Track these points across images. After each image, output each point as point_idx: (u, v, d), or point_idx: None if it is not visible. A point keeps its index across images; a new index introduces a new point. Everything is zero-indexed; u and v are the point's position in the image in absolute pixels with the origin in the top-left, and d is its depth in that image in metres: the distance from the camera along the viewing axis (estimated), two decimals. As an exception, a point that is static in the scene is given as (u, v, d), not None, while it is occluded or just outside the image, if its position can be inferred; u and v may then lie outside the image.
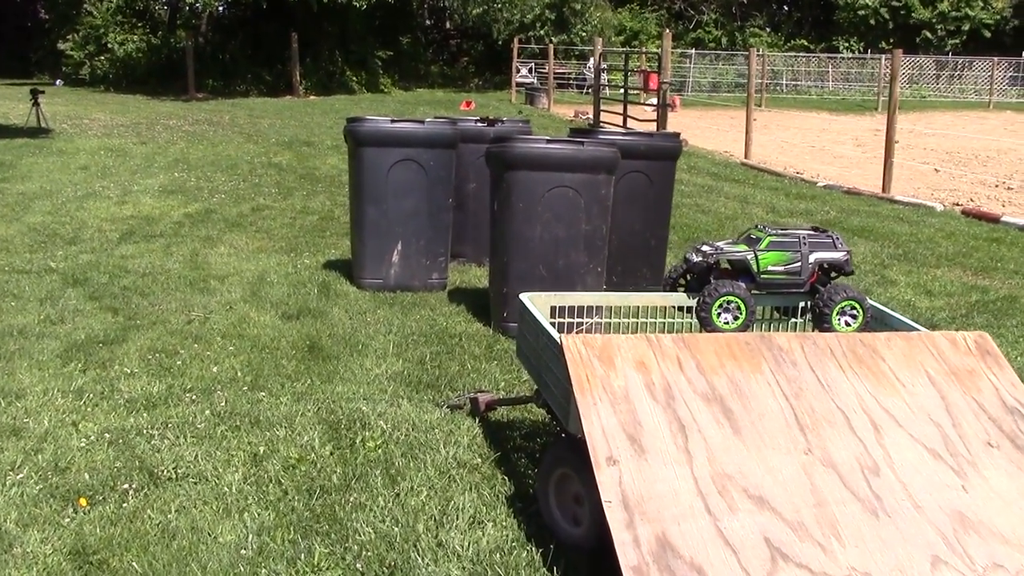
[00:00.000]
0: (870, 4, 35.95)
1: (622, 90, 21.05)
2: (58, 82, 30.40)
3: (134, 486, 3.38)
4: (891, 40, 35.19)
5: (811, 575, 2.49)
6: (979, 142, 20.53)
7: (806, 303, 3.92)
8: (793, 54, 35.49)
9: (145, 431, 3.87)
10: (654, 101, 27.81)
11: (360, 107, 24.69)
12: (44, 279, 6.47)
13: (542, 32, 31.59)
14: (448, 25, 38.68)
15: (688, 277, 3.97)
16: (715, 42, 36.73)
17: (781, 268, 3.78)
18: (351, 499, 3.32)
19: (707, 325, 3.66)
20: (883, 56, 31.95)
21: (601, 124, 20.97)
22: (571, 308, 3.75)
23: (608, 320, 3.79)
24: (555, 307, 3.73)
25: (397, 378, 4.70)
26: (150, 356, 4.88)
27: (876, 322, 3.75)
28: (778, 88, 33.99)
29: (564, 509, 3.17)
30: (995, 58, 32.85)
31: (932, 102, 31.72)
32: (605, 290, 5.81)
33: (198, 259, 7.33)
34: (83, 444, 3.72)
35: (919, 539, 2.62)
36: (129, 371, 4.63)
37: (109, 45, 29.46)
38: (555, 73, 30.10)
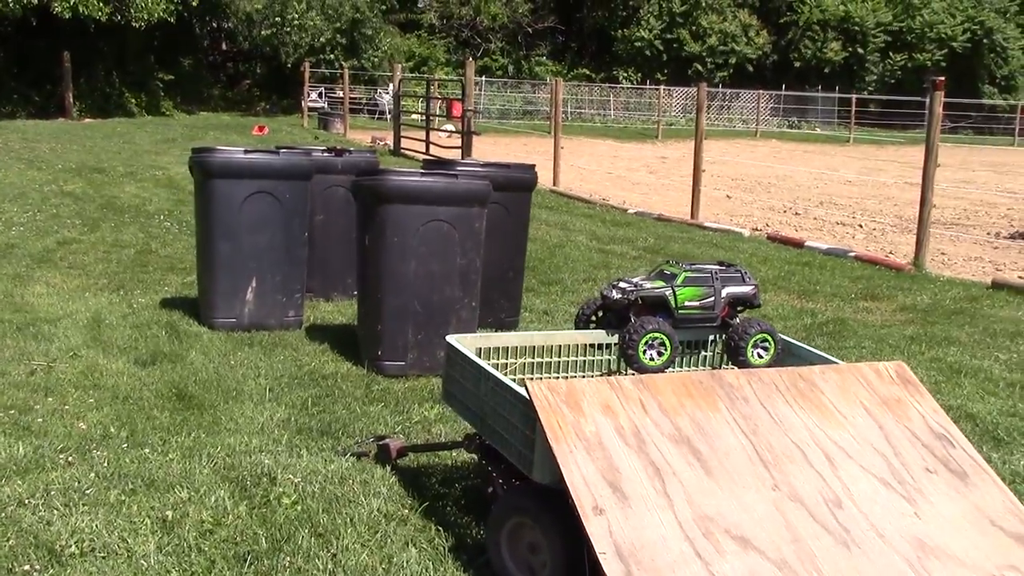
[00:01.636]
0: (645, 36, 37.82)
1: (422, 117, 21.11)
2: None
3: (36, 567, 3.00)
4: (665, 71, 37.20)
5: (805, 613, 2.52)
6: (757, 169, 21.95)
7: (715, 336, 4.02)
8: (577, 83, 36.75)
9: (26, 501, 3.45)
10: (449, 127, 28.08)
11: (145, 131, 23.51)
12: None
13: (332, 56, 31.18)
14: (224, 46, 37.52)
15: (600, 314, 3.98)
16: (502, 70, 37.53)
17: (697, 303, 3.85)
18: (287, 563, 3.09)
19: (632, 363, 3.67)
20: (661, 87, 33.68)
21: (402, 151, 20.92)
22: (497, 349, 3.67)
23: (532, 360, 3.73)
24: (480, 348, 3.64)
25: (286, 426, 4.44)
26: (0, 414, 4.39)
27: (786, 353, 3.88)
28: (565, 116, 35.04)
29: (518, 560, 3.08)
30: (759, 91, 35.32)
31: (707, 131, 33.62)
32: (479, 327, 5.75)
33: (15, 300, 6.70)
34: (-42, 521, 3.28)
35: (890, 568, 2.71)
36: (-22, 435, 4.13)
37: None
38: (349, 98, 29.83)
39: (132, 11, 26.22)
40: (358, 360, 5.54)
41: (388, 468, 3.92)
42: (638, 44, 37.81)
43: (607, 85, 36.90)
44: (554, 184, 15.64)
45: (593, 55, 39.96)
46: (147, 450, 4.01)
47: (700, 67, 37.84)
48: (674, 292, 3.82)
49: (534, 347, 3.77)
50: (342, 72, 26.92)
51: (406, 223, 5.35)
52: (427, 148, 19.76)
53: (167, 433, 4.25)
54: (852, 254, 9.92)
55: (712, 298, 3.88)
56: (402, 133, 21.22)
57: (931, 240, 9.77)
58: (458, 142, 19.40)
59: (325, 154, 7.07)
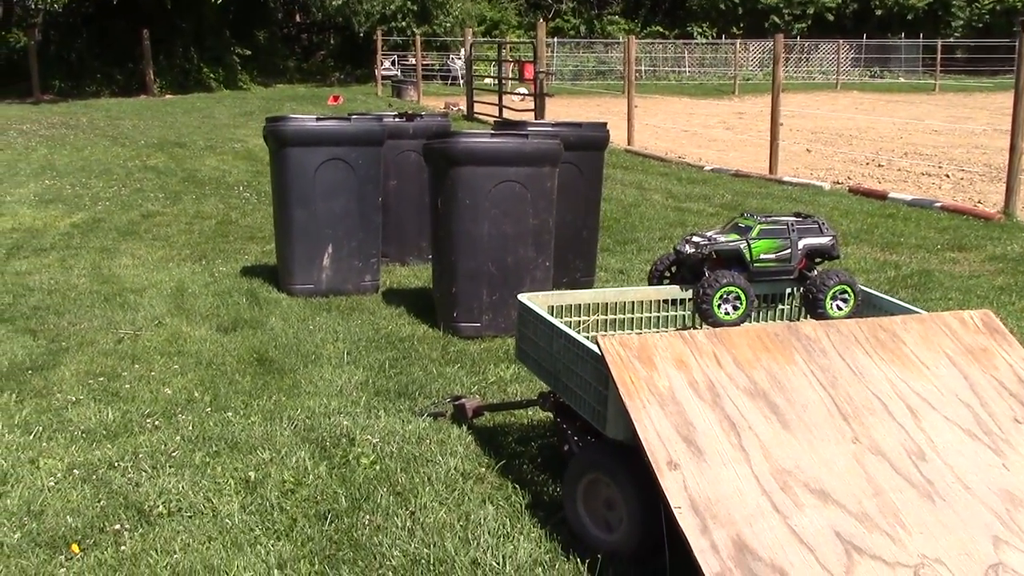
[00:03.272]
0: (721, -9, 37.08)
1: (494, 81, 21.05)
2: None
3: (126, 526, 3.10)
4: (741, 25, 36.40)
5: (886, 566, 2.47)
6: (838, 121, 21.41)
7: (793, 289, 3.94)
8: (650, 41, 36.20)
9: (116, 463, 3.57)
10: (523, 90, 27.94)
11: (223, 105, 23.90)
12: (-61, 302, 5.96)
13: (404, 24, 31.20)
14: (299, 19, 37.78)
15: (673, 270, 3.93)
16: (574, 30, 37.15)
17: (773, 256, 3.78)
18: (366, 521, 3.14)
19: (708, 317, 3.62)
20: (736, 41, 32.98)
21: (475, 115, 20.89)
22: (570, 307, 3.65)
23: (605, 317, 3.71)
24: (552, 307, 3.62)
25: (363, 387, 4.50)
26: (90, 380, 4.53)
27: (866, 305, 3.79)
28: (638, 75, 34.58)
29: (594, 515, 3.07)
30: (839, 41, 34.34)
31: (785, 84, 32.85)
32: (554, 285, 5.73)
33: (103, 272, 6.89)
34: (52, 483, 3.40)
35: (977, 520, 2.64)
36: (73, 399, 4.27)
37: (-59, 46, 27.57)
38: (421, 65, 29.87)
39: (207, -14, 26.53)
40: (434, 323, 5.58)
41: (464, 427, 3.95)
42: (712, -1, 37.11)
43: (681, 42, 36.28)
44: (629, 143, 15.48)
45: (666, 12, 39.29)
46: (230, 413, 4.10)
47: (777, 19, 36.94)
48: (749, 245, 3.75)
49: (606, 304, 3.74)
50: (414, 39, 26.91)
51: (477, 185, 5.34)
52: (500, 112, 19.70)
53: (249, 397, 4.34)
54: (938, 204, 9.63)
55: (788, 250, 3.80)
56: (475, 98, 21.17)
57: (1023, 188, 9.42)
58: (532, 105, 19.29)
59: (397, 120, 7.09)
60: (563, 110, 23.04)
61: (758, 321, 3.90)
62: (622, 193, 11.00)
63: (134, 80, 28.60)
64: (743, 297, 3.63)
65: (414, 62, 29.90)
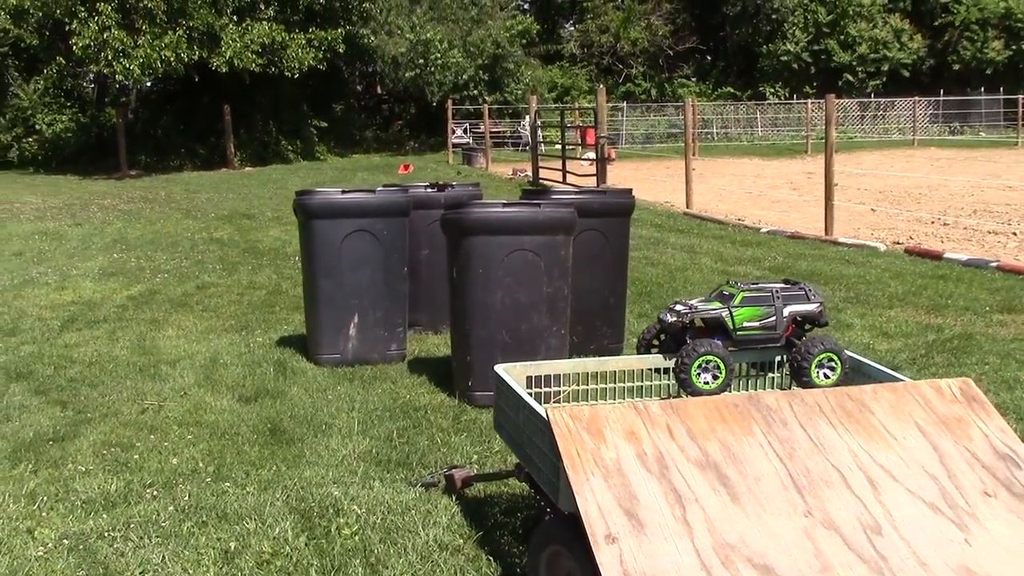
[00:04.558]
0: (792, 50, 36.93)
1: (558, 146, 21.29)
2: (-14, 166, 29.81)
3: (101, 596, 3.18)
4: (814, 84, 36.20)
5: (827, 646, 2.40)
6: (909, 180, 21.05)
7: (781, 357, 3.88)
8: (722, 103, 36.23)
9: (107, 534, 3.67)
10: (591, 155, 28.14)
11: (297, 176, 24.59)
12: (-16, 374, 6.22)
13: (475, 92, 31.82)
14: (379, 90, 38.82)
15: (662, 338, 3.91)
16: (645, 94, 37.39)
17: (756, 323, 3.74)
18: (333, 594, 3.17)
19: (687, 387, 3.59)
20: (808, 101, 32.78)
21: (541, 181, 21.11)
22: (548, 377, 3.66)
23: (586, 387, 3.71)
24: (531, 376, 3.64)
25: (366, 457, 4.55)
26: (104, 451, 4.68)
27: (854, 372, 3.71)
28: (709, 136, 34.62)
29: (557, 588, 3.05)
30: (916, 97, 33.88)
31: (859, 143, 32.54)
32: (571, 354, 5.74)
33: (146, 343, 7.11)
34: (40, 553, 3.51)
35: (930, 599, 2.55)
36: (84, 469, 4.41)
37: (37, 126, 29.03)
38: (490, 132, 30.36)
39: (284, 62, 27.53)
40: (453, 392, 5.62)
41: (453, 498, 3.96)
42: (784, 58, 36.95)
43: (753, 103, 36.20)
44: (687, 207, 15.45)
45: (738, 73, 39.30)
46: (228, 484, 4.19)
47: (851, 77, 36.66)
48: (731, 313, 3.71)
49: (587, 374, 3.74)
50: (484, 107, 27.39)
51: (490, 254, 5.41)
52: (564, 177, 19.87)
53: (251, 467, 4.43)
54: (994, 264, 9.37)
55: (773, 317, 3.75)
56: (541, 163, 21.41)
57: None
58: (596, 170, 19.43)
59: (428, 190, 7.23)
60: (630, 174, 23.16)
61: (747, 390, 3.85)
62: (671, 257, 10.96)
63: (216, 154, 29.70)
64: (722, 366, 3.59)
65: (484, 129, 30.47)
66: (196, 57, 25.78)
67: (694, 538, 2.62)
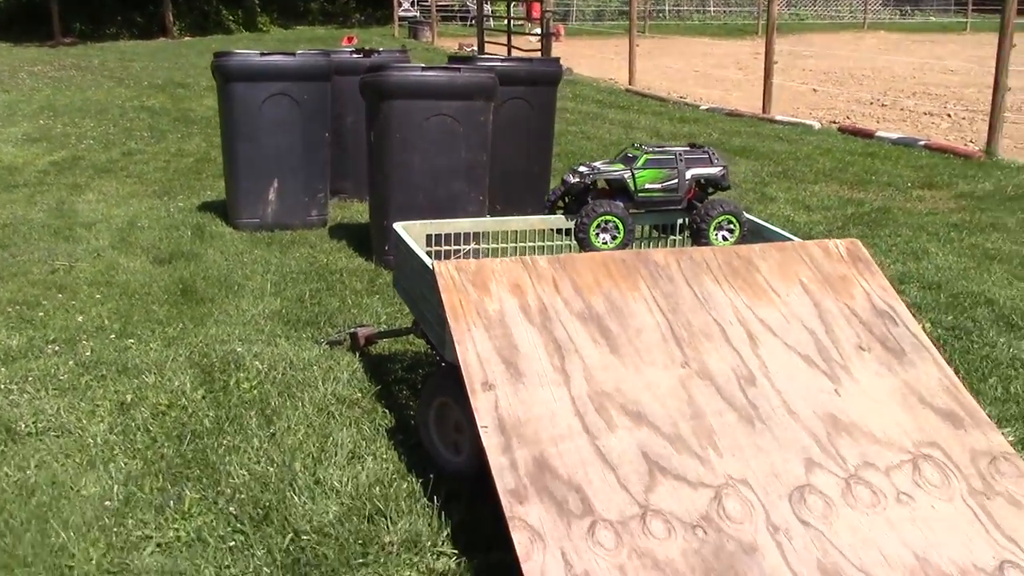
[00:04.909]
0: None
1: (510, 21, 20.84)
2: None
3: (-9, 443, 3.18)
4: (770, -36, 35.54)
5: (688, 485, 2.49)
6: (855, 62, 20.97)
7: (684, 220, 3.91)
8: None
9: (3, 386, 3.65)
10: (539, 31, 27.51)
11: (237, 46, 23.82)
12: None
13: (423, -36, 30.84)
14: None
15: (567, 199, 3.91)
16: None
17: (658, 185, 3.74)
18: (224, 442, 3.20)
19: (585, 246, 3.61)
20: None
21: (486, 55, 20.71)
22: (449, 236, 3.65)
23: (487, 246, 3.71)
24: (431, 235, 3.63)
25: (274, 317, 4.55)
26: (9, 308, 4.61)
27: (752, 235, 3.75)
28: (661, 15, 34.08)
29: (445, 438, 3.12)
30: (868, -21, 33.51)
31: (810, 24, 32.25)
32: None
33: (64, 207, 6.96)
34: (-67, 404, 3.49)
35: (794, 444, 2.64)
36: (-15, 325, 4.36)
37: (-36, -11, 27.71)
38: (438, 5, 29.58)
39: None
40: (372, 257, 5.61)
41: (357, 355, 3.99)
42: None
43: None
44: (630, 83, 15.30)
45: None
46: (132, 340, 4.17)
47: (806, -44, 36.08)
48: (633, 174, 3.71)
49: (488, 233, 3.74)
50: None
51: (409, 118, 5.32)
52: (509, 52, 19.52)
53: (158, 325, 4.40)
54: (922, 143, 9.45)
55: (675, 180, 3.76)
56: (487, 38, 20.97)
57: (1016, 128, 9.23)
58: (553, 45, 19.07)
59: (354, 55, 7.06)
60: (577, 51, 22.78)
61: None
62: (608, 132, 10.90)
63: (154, 23, 28.63)
64: (620, 226, 3.61)
65: (430, 2, 29.67)
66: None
67: (570, 386, 2.67)
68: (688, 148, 3.84)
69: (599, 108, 13.11)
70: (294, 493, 2.88)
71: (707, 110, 12.75)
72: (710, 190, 3.91)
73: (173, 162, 8.99)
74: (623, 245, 3.62)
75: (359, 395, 3.60)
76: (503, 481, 2.42)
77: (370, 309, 4.67)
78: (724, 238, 3.71)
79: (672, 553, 2.34)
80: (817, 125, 11.12)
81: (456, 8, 31.82)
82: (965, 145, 9.57)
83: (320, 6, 34.97)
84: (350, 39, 24.87)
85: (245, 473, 3.00)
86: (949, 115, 12.69)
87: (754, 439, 2.63)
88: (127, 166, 8.79)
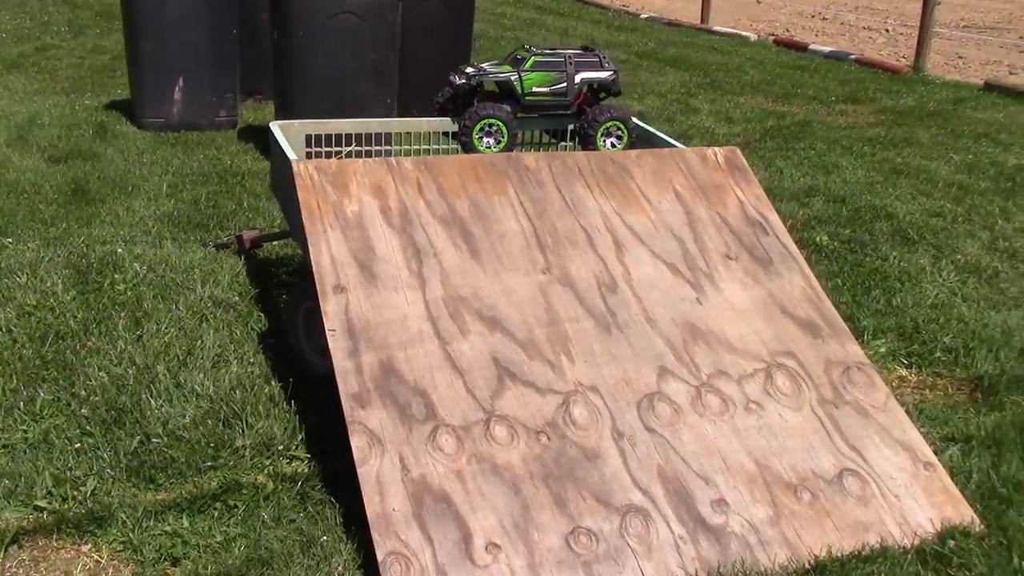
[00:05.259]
0: None
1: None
2: None
3: None
4: None
5: (537, 392, 2.47)
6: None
7: (576, 125, 3.83)
8: None
9: None
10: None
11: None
12: None
13: None
14: None
15: (457, 102, 3.81)
16: None
17: (546, 89, 3.65)
18: (88, 344, 3.13)
19: (469, 149, 3.53)
20: None
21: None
22: (330, 137, 3.55)
23: (368, 148, 3.61)
24: (311, 136, 3.53)
25: (165, 219, 4.44)
26: None
27: (641, 141, 3.70)
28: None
29: (312, 342, 3.07)
30: None
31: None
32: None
33: (-37, 102, 6.71)
34: None
35: (648, 352, 2.63)
36: None
37: None
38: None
39: None
40: (277, 159, 5.47)
41: (242, 258, 3.91)
42: None
43: None
44: (572, -12, 14.99)
45: None
46: (10, 240, 4.05)
47: None
48: (520, 77, 3.62)
49: (371, 135, 3.64)
50: None
51: (312, 16, 5.15)
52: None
53: (41, 225, 4.28)
54: (853, 57, 9.41)
55: (564, 84, 3.67)
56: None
57: (950, 44, 9.21)
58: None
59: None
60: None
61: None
62: (544, 39, 10.68)
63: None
64: (504, 129, 3.53)
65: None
66: None
67: (426, 291, 2.63)
68: (579, 51, 3.75)
69: (538, 14, 12.85)
70: (151, 396, 2.83)
71: (647, 19, 12.56)
72: (602, 95, 3.83)
73: (88, 58, 8.67)
74: (507, 149, 3.55)
75: (237, 298, 3.54)
76: (346, 385, 2.38)
77: (266, 212, 4.57)
78: (612, 144, 3.64)
79: (512, 458, 2.34)
80: (753, 37, 11.02)
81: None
82: (896, 61, 9.55)
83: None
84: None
85: (104, 375, 2.94)
86: (887, 30, 12.64)
87: (609, 346, 2.62)
88: (39, 62, 8.46)
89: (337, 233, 2.67)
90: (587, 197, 2.97)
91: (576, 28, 11.59)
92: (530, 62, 3.65)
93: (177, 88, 6.00)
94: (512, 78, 3.63)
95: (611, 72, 3.77)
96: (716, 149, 3.26)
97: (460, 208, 2.83)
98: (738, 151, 3.29)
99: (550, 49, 3.76)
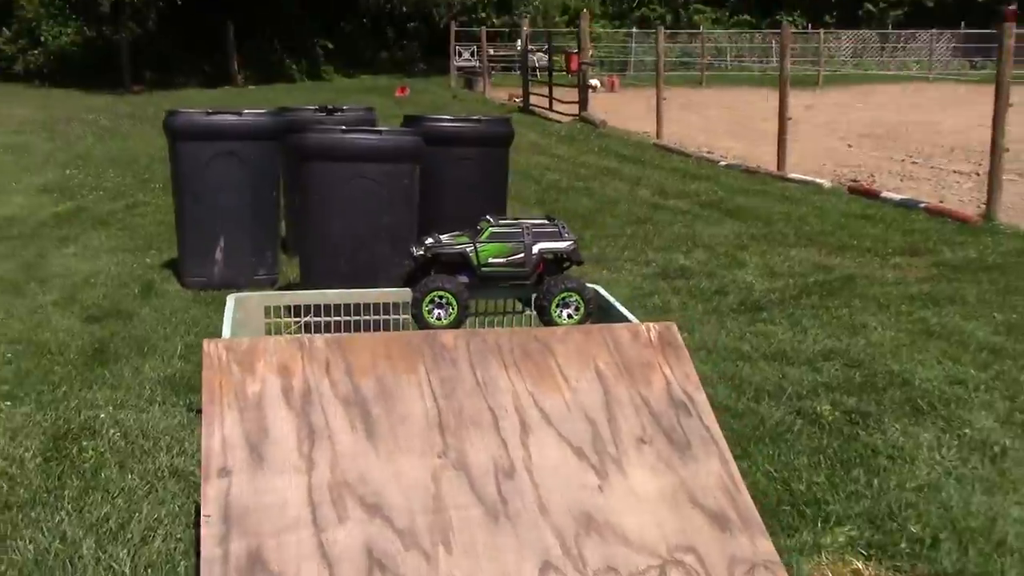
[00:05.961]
0: (814, -22, 35.93)
1: (551, 72, 20.97)
2: (-9, 78, 29.87)
3: None
4: (834, 14, 35.23)
5: (407, 586, 2.40)
6: (903, 115, 20.54)
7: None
8: (737, 31, 35.42)
9: None
10: (595, 82, 27.67)
11: (291, 96, 24.43)
12: None
13: (484, 14, 31.32)
14: (387, 9, 38.30)
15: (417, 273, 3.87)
16: (660, 19, 36.57)
17: (503, 259, 3.67)
18: (30, 515, 3.21)
19: (419, 322, 3.55)
20: (820, 31, 31.97)
21: (531, 107, 20.87)
22: (289, 308, 3.63)
23: (320, 319, 3.68)
24: (270, 307, 3.61)
25: (165, 381, 4.58)
26: (-83, 366, 4.74)
27: (602, 313, 3.65)
28: (722, 66, 33.93)
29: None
30: (934, 30, 32.87)
31: (874, 76, 31.72)
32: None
33: (38, 261, 7.16)
34: None
35: (536, 544, 2.53)
36: None
37: (42, 38, 28.97)
38: (496, 56, 29.97)
39: (288, -20, 27.23)
40: (300, 318, 5.62)
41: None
42: (805, -15, 35.99)
43: (770, 31, 35.30)
44: (657, 137, 15.22)
45: (756, 0, 38.33)
46: (8, 403, 4.23)
47: (871, 7, 35.61)
48: (476, 248, 3.66)
49: (330, 306, 3.71)
50: (482, 30, 26.99)
51: (329, 180, 5.36)
52: (550, 104, 19.64)
53: (45, 387, 4.47)
54: (923, 205, 9.17)
55: (522, 254, 3.69)
56: (532, 89, 21.15)
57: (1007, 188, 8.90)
58: (605, 97, 19.20)
59: (317, 112, 7.16)
60: (623, 103, 22.82)
61: (503, 326, 3.81)
62: (613, 189, 10.83)
63: (221, 71, 29.55)
64: (454, 302, 3.55)
65: (493, 52, 30.09)
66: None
67: (312, 474, 2.61)
68: (538, 222, 3.77)
69: (618, 163, 13.06)
70: (66, 574, 2.87)
71: (726, 166, 12.59)
72: (566, 265, 3.82)
73: (169, 216, 9.12)
74: (458, 321, 3.56)
75: (194, 467, 3.59)
76: (210, 573, 2.36)
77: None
78: (570, 316, 3.61)
79: (362, 658, 2.26)
80: (827, 184, 10.89)
81: (515, 58, 32.12)
82: (966, 209, 9.26)
83: (384, 55, 35.69)
84: (403, 90, 25.36)
85: (31, 549, 3.00)
86: (977, 174, 12.31)
87: (494, 537, 2.53)
88: (125, 218, 9.01)
89: (234, 414, 2.70)
90: (501, 376, 2.93)
91: (650, 177, 11.70)
92: (486, 233, 3.68)
93: (218, 248, 6.29)
94: (467, 249, 3.67)
95: (570, 242, 3.76)
96: (651, 325, 3.19)
97: (365, 387, 2.83)
98: (673, 326, 3.20)
99: (511, 219, 3.80)
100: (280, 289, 6.38)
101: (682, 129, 16.86)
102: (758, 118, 20.67)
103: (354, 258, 5.42)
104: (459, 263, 3.69)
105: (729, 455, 2.84)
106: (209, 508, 2.48)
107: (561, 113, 18.90)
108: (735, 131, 17.91)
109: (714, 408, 4.31)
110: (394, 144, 5.43)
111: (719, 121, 19.52)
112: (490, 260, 3.66)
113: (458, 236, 3.74)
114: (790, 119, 11.99)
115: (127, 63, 27.44)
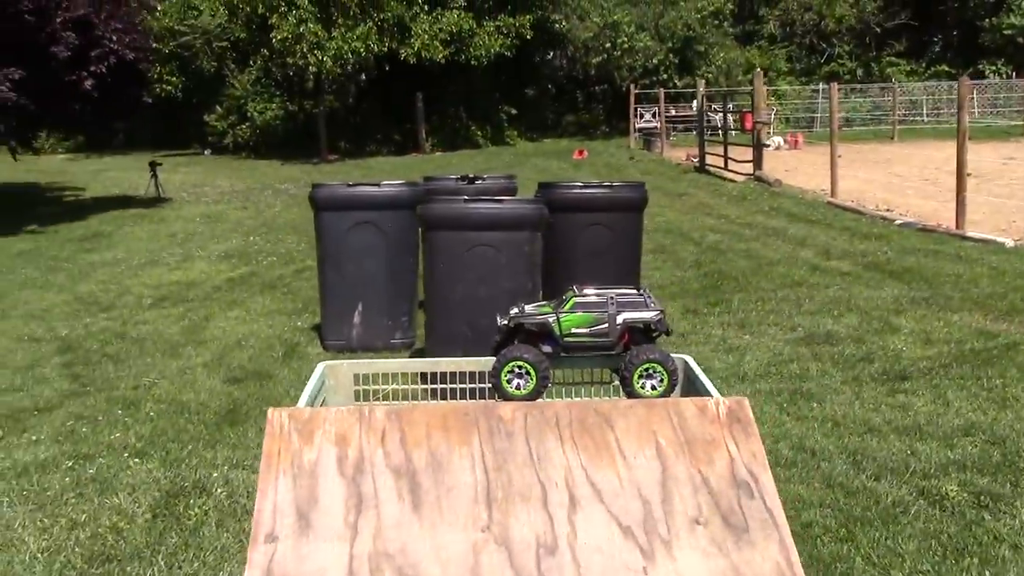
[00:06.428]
0: (1018, 23, 33.96)
1: (731, 131, 20.73)
2: (206, 151, 32.29)
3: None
4: (1042, 61, 33.18)
5: (432, 663, 2.38)
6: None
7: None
8: (934, 82, 33.91)
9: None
10: (778, 140, 27.15)
11: (474, 161, 25.16)
12: (41, 347, 6.90)
13: (666, 76, 31.37)
14: (576, 73, 38.99)
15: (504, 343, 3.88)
16: (850, 74, 35.52)
17: (586, 330, 3.63)
18: (126, 570, 3.39)
19: (498, 391, 3.56)
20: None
21: (707, 167, 20.65)
22: (377, 376, 3.72)
23: (407, 387, 3.74)
24: (358, 375, 3.71)
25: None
26: (70, 423, 5.13)
27: (689, 385, 3.55)
28: (918, 119, 32.53)
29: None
30: None
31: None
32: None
33: (202, 323, 7.64)
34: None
35: (569, 625, 2.46)
36: (35, 438, 4.87)
37: (249, 114, 31.13)
38: (676, 116, 29.91)
39: (472, 50, 28.22)
40: (427, 382, 5.74)
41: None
42: (1008, 32, 34.01)
43: (971, 82, 33.59)
44: (832, 195, 14.70)
45: (957, 49, 36.59)
46: (137, 460, 4.51)
47: (1085, 53, 33.30)
48: (558, 318, 3.64)
49: (416, 374, 3.77)
50: (659, 91, 27.01)
51: (451, 248, 5.48)
52: (725, 163, 19.38)
53: (174, 445, 4.74)
54: (1113, 265, 8.42)
55: (606, 324, 3.64)
56: (707, 149, 20.95)
57: None
58: (787, 155, 18.82)
59: (459, 182, 7.35)
60: (812, 159, 22.22)
61: (591, 396, 3.76)
62: (775, 250, 10.52)
63: (409, 140, 30.85)
64: (533, 372, 3.53)
65: (673, 113, 30.07)
66: (385, 49, 26.87)
67: (355, 543, 2.64)
68: (623, 291, 3.72)
69: (787, 223, 12.69)
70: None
71: (900, 225, 12.01)
72: (654, 335, 3.74)
73: (334, 279, 9.59)
74: (536, 391, 3.54)
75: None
76: (241, 639, 2.43)
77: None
78: (653, 387, 3.52)
79: None
80: (1010, 243, 10.19)
81: (694, 118, 31.95)
82: None
83: (566, 119, 36.27)
84: (581, 153, 25.65)
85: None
86: None
87: (526, 616, 2.48)
88: (291, 283, 9.48)
89: (288, 481, 2.78)
90: (556, 449, 2.89)
91: (816, 237, 11.31)
92: (570, 303, 3.67)
93: (356, 313, 6.52)
94: (550, 320, 3.66)
95: (656, 312, 3.68)
96: (721, 399, 3.07)
97: (416, 458, 2.85)
98: (745, 401, 3.06)
99: (595, 289, 3.76)
100: (419, 350, 6.54)
101: (862, 186, 16.24)
102: (948, 173, 19.68)
103: (475, 322, 5.50)
104: (543, 333, 3.69)
105: (790, 540, 2.68)
106: (253, 572, 2.55)
107: (736, 172, 18.59)
108: (923, 188, 17.09)
109: (826, 486, 4.11)
110: (512, 213, 5.50)
111: (906, 177, 18.67)
112: (572, 330, 3.63)
113: (542, 306, 3.73)
114: (970, 175, 11.32)
115: (323, 134, 29.03)
